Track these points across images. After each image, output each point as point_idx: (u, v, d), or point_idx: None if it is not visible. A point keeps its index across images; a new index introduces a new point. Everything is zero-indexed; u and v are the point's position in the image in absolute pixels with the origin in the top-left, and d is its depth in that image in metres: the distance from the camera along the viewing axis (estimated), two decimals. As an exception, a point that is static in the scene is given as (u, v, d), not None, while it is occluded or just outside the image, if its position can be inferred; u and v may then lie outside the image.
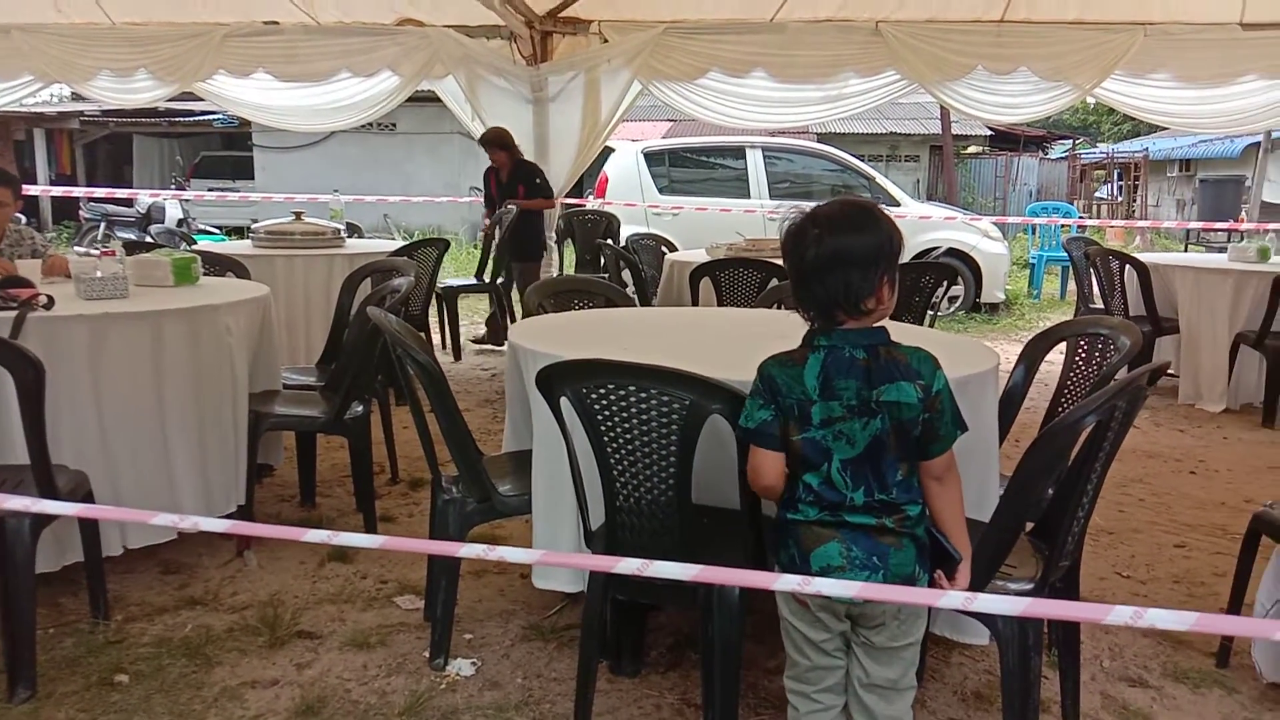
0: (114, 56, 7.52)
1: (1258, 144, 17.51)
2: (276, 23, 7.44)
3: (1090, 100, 7.57)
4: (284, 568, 3.35)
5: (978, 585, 2.04)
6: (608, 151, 9.60)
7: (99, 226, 11.85)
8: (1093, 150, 25.36)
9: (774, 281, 4.67)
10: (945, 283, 4.83)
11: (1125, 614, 1.12)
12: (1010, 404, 2.95)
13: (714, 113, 7.42)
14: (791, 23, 6.98)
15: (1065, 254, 7.98)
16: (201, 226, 11.68)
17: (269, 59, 7.45)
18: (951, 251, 8.96)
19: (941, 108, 17.54)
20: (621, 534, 2.10)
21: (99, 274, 3.33)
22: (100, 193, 12.20)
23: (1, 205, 3.91)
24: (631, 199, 9.09)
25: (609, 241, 7.50)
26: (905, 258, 8.13)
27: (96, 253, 3.77)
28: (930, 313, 5.09)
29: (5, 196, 3.93)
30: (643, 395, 1.92)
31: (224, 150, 18.40)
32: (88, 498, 2.80)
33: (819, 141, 18.12)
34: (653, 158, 9.26)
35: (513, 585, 3.19)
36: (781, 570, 1.88)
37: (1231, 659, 2.75)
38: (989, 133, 20.40)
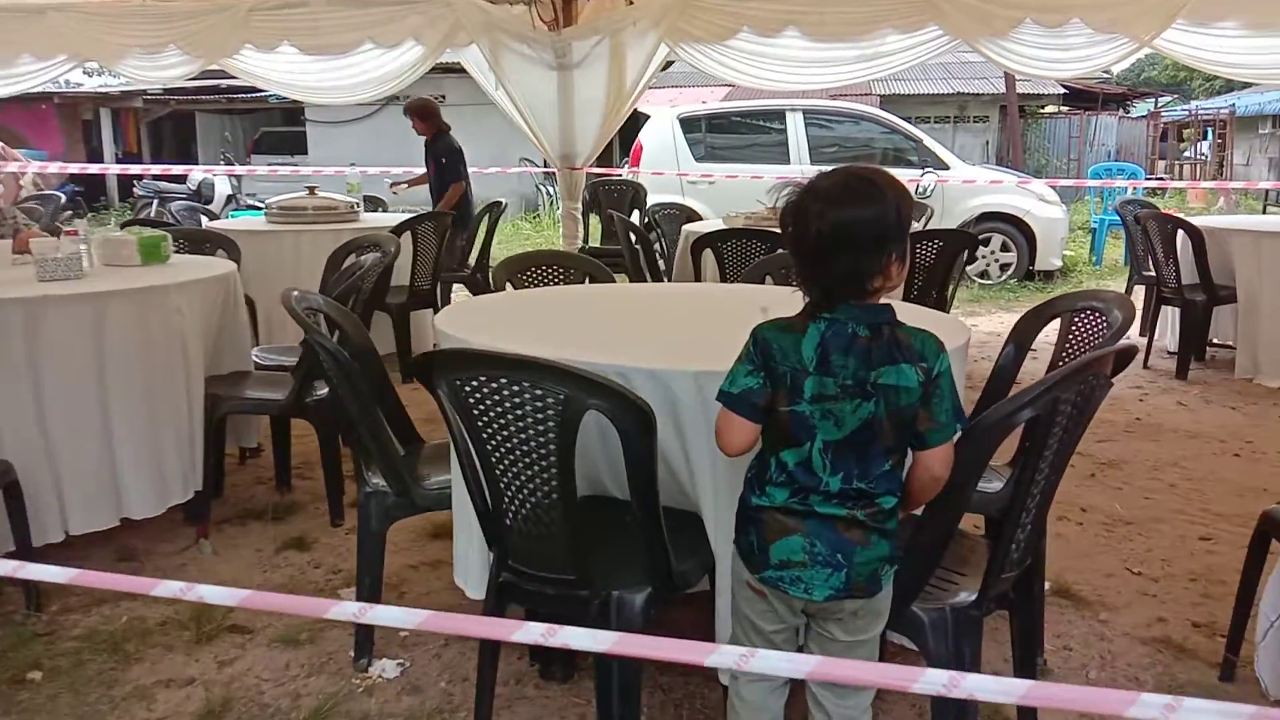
0: (143, 33, 7.51)
1: (1358, 96, 16.33)
2: (301, -7, 7.36)
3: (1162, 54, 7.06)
4: (238, 555, 3.25)
5: (908, 595, 1.81)
6: (644, 119, 9.35)
7: (153, 203, 12.05)
8: (1176, 108, 24.04)
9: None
10: (965, 252, 4.46)
11: (937, 680, 0.88)
12: (998, 386, 2.67)
13: (745, 75, 7.06)
14: (825, -23, 6.61)
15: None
16: (249, 201, 11.79)
17: (294, 32, 7.36)
18: (1004, 216, 8.50)
19: (1011, 65, 16.79)
20: (512, 539, 1.92)
21: (58, 254, 3.26)
22: (157, 169, 12.40)
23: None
24: (668, 167, 8.81)
25: (632, 213, 7.28)
26: (952, 224, 7.76)
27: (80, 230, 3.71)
28: (953, 284, 4.76)
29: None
30: (514, 389, 1.72)
31: (283, 126, 18.58)
32: (12, 487, 2.72)
33: (882, 104, 17.57)
34: (689, 124, 8.96)
35: (466, 577, 3.04)
36: (740, 555, 1.75)
37: (1238, 671, 2.46)
38: (1063, 91, 19.47)
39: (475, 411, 1.79)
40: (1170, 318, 5.98)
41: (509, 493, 1.86)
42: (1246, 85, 20.28)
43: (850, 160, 8.90)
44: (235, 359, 3.69)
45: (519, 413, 1.73)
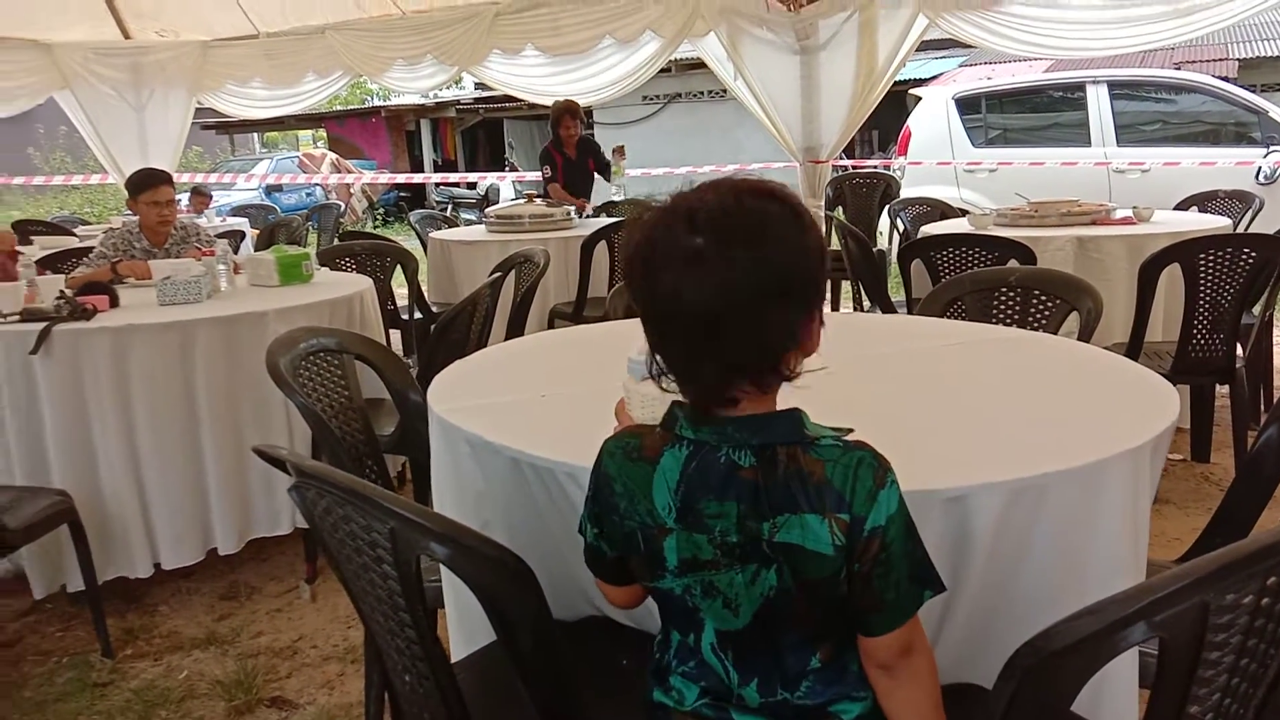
0: (405, 46, 7.76)
1: None
2: (543, -5, 7.27)
3: None
4: (335, 604, 2.98)
5: None
6: (912, 102, 8.37)
7: (447, 208, 12.76)
8: None
9: (1013, 263, 3.50)
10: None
11: None
12: (1253, 487, 1.76)
13: (1019, 43, 5.99)
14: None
15: None
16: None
17: (536, 34, 7.28)
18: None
19: None
20: (404, 705, 1.40)
21: (170, 277, 3.17)
22: (454, 177, 13.11)
23: (170, 202, 3.93)
24: (941, 155, 7.79)
25: (882, 210, 6.44)
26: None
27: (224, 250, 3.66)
28: (1265, 310, 3.57)
29: (172, 193, 3.95)
30: (342, 513, 1.20)
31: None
32: (71, 521, 2.59)
33: (1241, 69, 14.87)
34: (967, 104, 7.83)
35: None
36: None
37: None
38: None
39: (324, 533, 1.28)
40: None
41: (380, 638, 1.34)
42: None
43: (1167, 141, 7.38)
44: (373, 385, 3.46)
45: (355, 543, 1.21)
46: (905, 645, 1.04)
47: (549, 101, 8.06)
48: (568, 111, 6.45)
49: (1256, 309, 3.66)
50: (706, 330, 0.98)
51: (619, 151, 6.79)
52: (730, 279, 0.96)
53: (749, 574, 1.01)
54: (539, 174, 6.87)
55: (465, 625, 1.62)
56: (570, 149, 6.52)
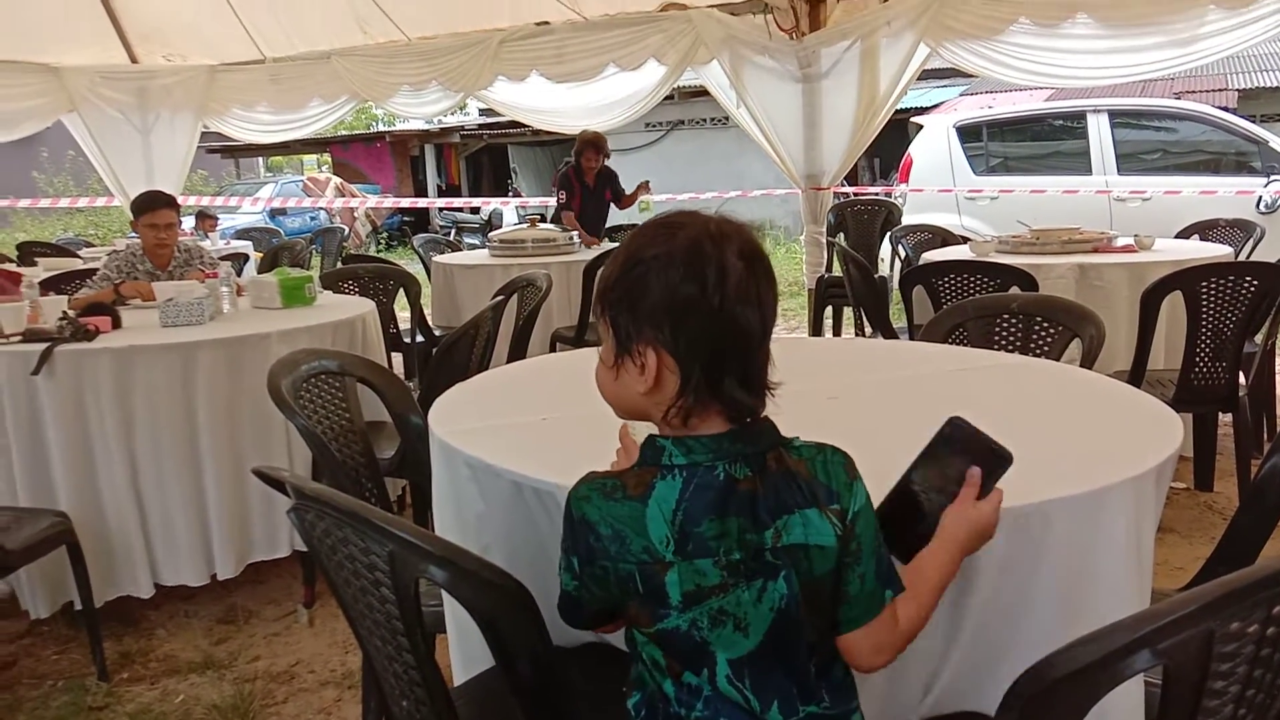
0: (410, 72, 7.83)
1: None
2: (548, 23, 7.33)
3: None
4: (333, 629, 2.96)
5: None
6: (913, 129, 8.40)
7: (450, 232, 12.81)
8: None
9: (1014, 290, 3.51)
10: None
11: None
12: (1257, 516, 1.75)
13: (1020, 72, 6.04)
14: (1126, -48, 5.47)
15: None
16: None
17: (541, 60, 7.33)
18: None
19: None
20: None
21: (172, 299, 3.18)
22: (459, 202, 13.17)
23: (170, 226, 3.95)
24: (942, 183, 7.81)
25: (884, 236, 6.46)
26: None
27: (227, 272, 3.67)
28: (1268, 339, 3.57)
29: (172, 217, 3.97)
30: (341, 535, 1.19)
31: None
32: (69, 543, 2.57)
33: (1241, 99, 14.96)
34: (968, 133, 7.87)
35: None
36: None
37: None
38: None
39: (321, 554, 1.28)
40: None
41: (378, 662, 1.33)
42: None
43: (1167, 169, 7.41)
44: (373, 408, 3.45)
45: (354, 565, 1.20)
46: (876, 645, 1.07)
47: (553, 127, 8.13)
48: (591, 145, 6.47)
49: (1259, 337, 3.66)
50: (762, 341, 1.03)
51: (644, 186, 6.85)
52: (773, 299, 1.04)
53: (755, 590, 1.01)
54: (542, 199, 6.92)
55: (465, 650, 1.60)
56: (590, 178, 6.55)
